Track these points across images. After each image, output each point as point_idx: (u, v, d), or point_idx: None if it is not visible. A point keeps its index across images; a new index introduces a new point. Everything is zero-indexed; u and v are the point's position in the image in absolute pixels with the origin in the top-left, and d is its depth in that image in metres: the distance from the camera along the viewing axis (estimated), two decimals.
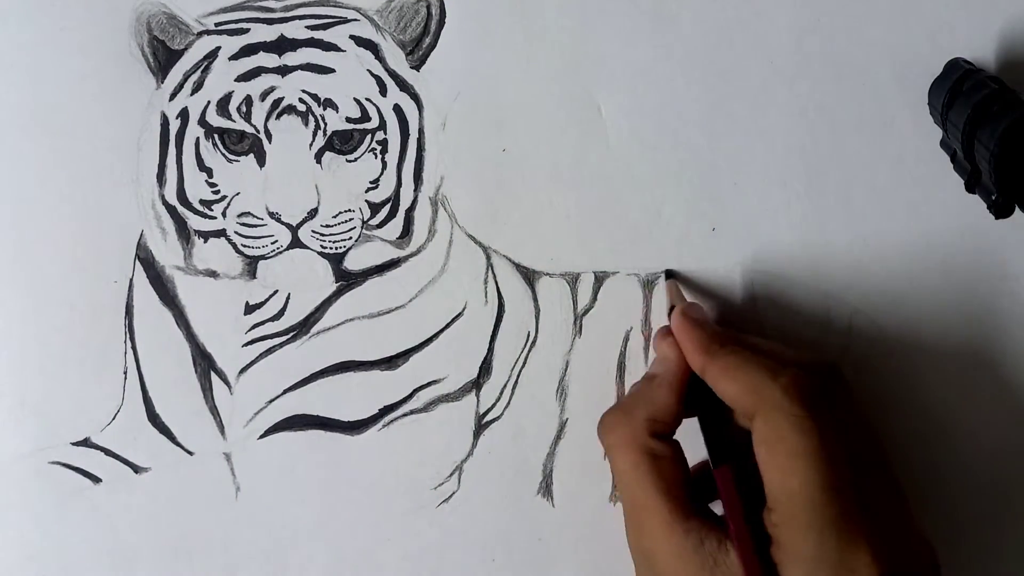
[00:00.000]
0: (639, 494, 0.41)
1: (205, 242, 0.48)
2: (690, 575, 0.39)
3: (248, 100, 0.47)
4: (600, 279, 0.48)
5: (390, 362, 0.48)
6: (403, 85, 0.48)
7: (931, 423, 0.48)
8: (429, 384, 0.48)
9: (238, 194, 0.48)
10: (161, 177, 0.48)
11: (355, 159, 0.48)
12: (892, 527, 0.39)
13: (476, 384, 0.48)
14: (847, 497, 0.38)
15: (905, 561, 0.39)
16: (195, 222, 0.48)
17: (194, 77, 0.47)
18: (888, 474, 0.42)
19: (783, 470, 0.39)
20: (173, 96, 0.47)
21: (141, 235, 0.48)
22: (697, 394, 0.43)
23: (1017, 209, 0.42)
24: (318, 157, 0.47)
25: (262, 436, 0.49)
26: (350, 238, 0.48)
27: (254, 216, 0.48)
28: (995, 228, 0.47)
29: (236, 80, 0.47)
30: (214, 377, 0.48)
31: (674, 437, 0.43)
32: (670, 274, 0.48)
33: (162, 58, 0.48)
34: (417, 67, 0.48)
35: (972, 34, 0.47)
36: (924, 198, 0.47)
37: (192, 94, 0.47)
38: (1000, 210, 0.43)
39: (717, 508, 0.42)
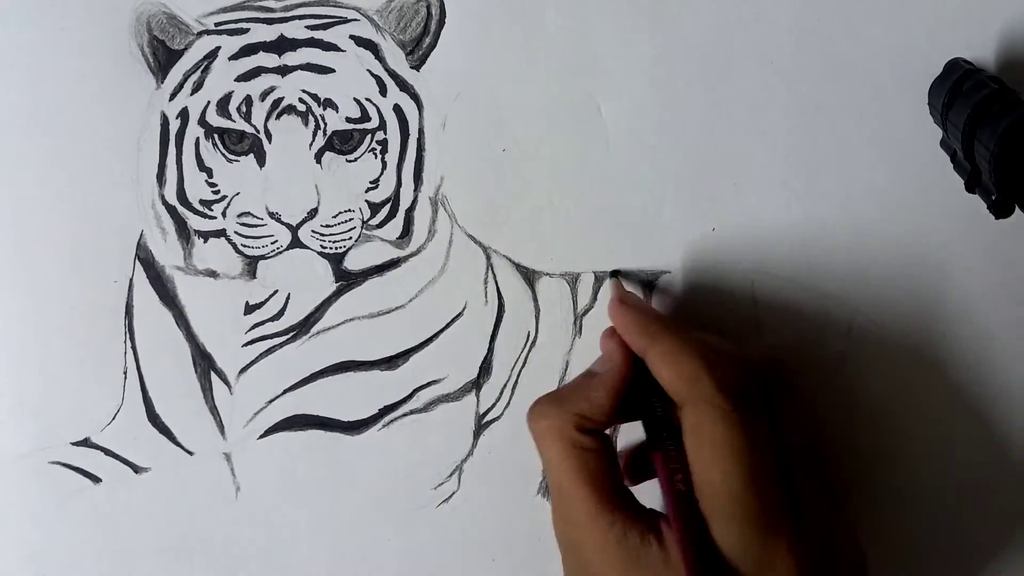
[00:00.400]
0: (565, 484, 0.41)
1: (205, 242, 0.48)
2: (614, 567, 0.40)
3: (248, 100, 0.47)
4: (600, 279, 0.48)
5: (390, 362, 0.48)
6: (403, 85, 0.48)
7: (931, 423, 0.48)
8: (429, 384, 0.48)
9: (238, 194, 0.48)
10: (161, 177, 0.48)
11: (355, 159, 0.48)
12: (817, 526, 0.40)
13: (476, 384, 0.48)
14: (768, 493, 0.39)
15: (827, 561, 0.39)
16: (195, 222, 0.48)
17: (194, 77, 0.47)
18: (823, 478, 0.42)
19: (706, 460, 0.39)
20: (173, 96, 0.47)
21: (141, 235, 0.48)
22: (641, 381, 0.43)
23: (1017, 209, 0.42)
24: (318, 157, 0.47)
25: (262, 436, 0.49)
26: (350, 238, 0.48)
27: (254, 216, 0.48)
28: (995, 228, 0.47)
29: (236, 80, 0.47)
30: (214, 377, 0.48)
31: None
32: (616, 273, 0.48)
33: (162, 58, 0.48)
34: (417, 67, 0.48)
35: (972, 34, 0.47)
36: (924, 198, 0.47)
37: (192, 94, 0.47)
38: (1000, 210, 0.42)
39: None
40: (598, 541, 0.40)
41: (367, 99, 0.47)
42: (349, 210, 0.48)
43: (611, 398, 0.42)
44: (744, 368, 0.41)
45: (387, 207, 0.48)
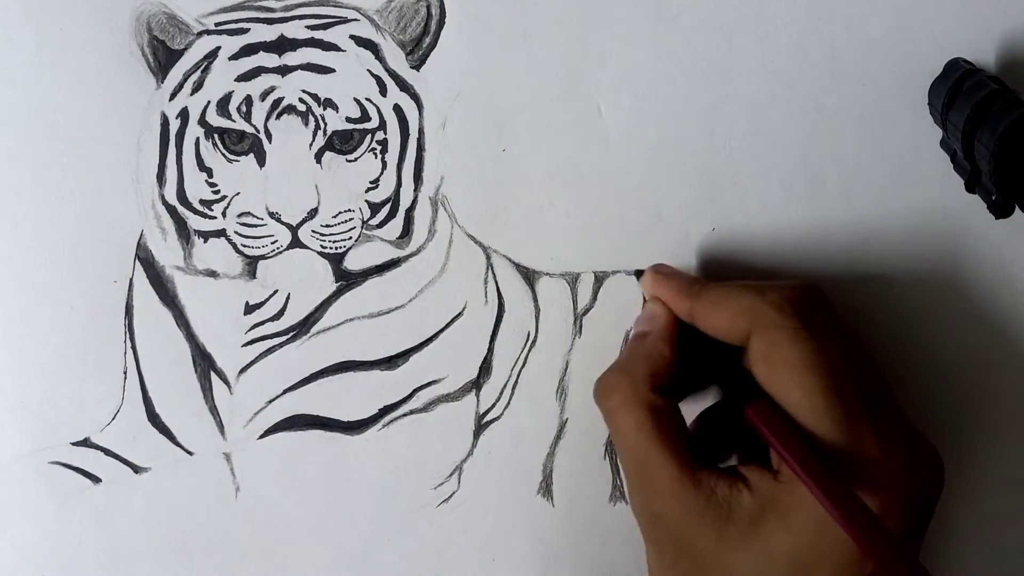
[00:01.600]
0: (645, 453, 0.41)
1: (205, 242, 0.48)
2: (705, 526, 0.39)
3: (248, 100, 0.47)
4: (600, 279, 0.48)
5: (390, 362, 0.48)
6: (403, 85, 0.48)
7: (931, 423, 0.48)
8: (429, 384, 0.48)
9: (238, 194, 0.48)
10: (161, 177, 0.48)
11: (355, 159, 0.48)
12: (894, 424, 0.40)
13: (476, 384, 0.48)
14: (848, 400, 0.39)
15: (910, 454, 0.39)
16: (195, 222, 0.48)
17: (194, 77, 0.47)
18: (882, 379, 0.42)
19: (784, 383, 0.39)
20: (173, 96, 0.47)
21: (141, 235, 0.48)
22: (690, 355, 0.43)
23: (1017, 209, 0.42)
24: (318, 157, 0.47)
25: (262, 436, 0.49)
26: (350, 238, 0.48)
27: (254, 216, 0.48)
28: (995, 228, 0.47)
29: (236, 80, 0.47)
30: (214, 377, 0.48)
31: None
32: (639, 272, 0.48)
33: (162, 58, 0.48)
34: (417, 67, 0.48)
35: (972, 34, 0.47)
36: (924, 198, 0.47)
37: (192, 94, 0.47)
38: (1000, 210, 0.43)
39: None
40: (686, 504, 0.40)
41: (367, 99, 0.47)
42: (349, 210, 0.48)
43: (671, 346, 0.43)
44: (793, 289, 0.41)
45: (387, 207, 0.48)
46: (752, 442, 0.42)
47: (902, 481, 0.39)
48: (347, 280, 0.48)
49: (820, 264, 0.48)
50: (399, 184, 0.48)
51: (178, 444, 0.49)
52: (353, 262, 0.48)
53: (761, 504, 0.39)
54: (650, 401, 0.41)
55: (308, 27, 0.47)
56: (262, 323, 0.48)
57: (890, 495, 0.38)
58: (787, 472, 0.39)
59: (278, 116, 0.47)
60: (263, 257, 0.48)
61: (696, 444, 0.42)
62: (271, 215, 0.47)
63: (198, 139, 0.47)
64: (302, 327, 0.48)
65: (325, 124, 0.47)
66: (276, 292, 0.48)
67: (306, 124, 0.47)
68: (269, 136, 0.47)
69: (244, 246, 0.48)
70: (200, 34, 0.47)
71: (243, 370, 0.48)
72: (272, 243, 0.48)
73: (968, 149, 0.43)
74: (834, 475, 0.37)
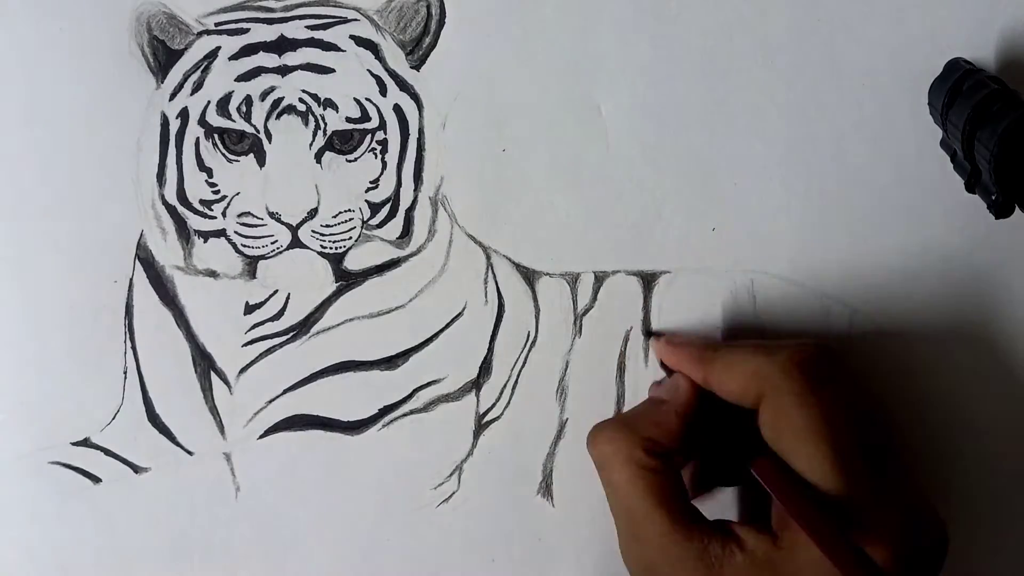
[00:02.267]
0: (637, 506, 0.41)
1: (205, 242, 0.48)
2: None
3: (248, 100, 0.47)
4: (600, 279, 0.48)
5: (390, 362, 0.48)
6: (403, 85, 0.48)
7: (931, 423, 0.48)
8: (429, 384, 0.48)
9: (238, 194, 0.48)
10: (161, 177, 0.48)
11: (355, 159, 0.48)
12: (900, 503, 0.40)
13: (476, 384, 0.48)
14: (853, 474, 0.39)
15: (914, 536, 0.39)
16: (195, 222, 0.48)
17: (194, 77, 0.47)
18: (887, 432, 0.42)
19: (790, 449, 0.39)
20: (173, 96, 0.47)
21: (141, 235, 0.48)
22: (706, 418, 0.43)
23: (1017, 209, 0.42)
24: (318, 157, 0.47)
25: (262, 436, 0.49)
26: (350, 238, 0.48)
27: (254, 216, 0.48)
28: (995, 228, 0.47)
29: (236, 80, 0.47)
30: (214, 377, 0.48)
31: None
32: (650, 334, 0.48)
33: (162, 58, 0.48)
34: (417, 67, 0.48)
35: (972, 34, 0.47)
36: (924, 198, 0.47)
37: (192, 94, 0.47)
38: (1000, 210, 0.42)
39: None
40: (677, 557, 0.40)
41: (367, 99, 0.47)
42: (349, 210, 0.48)
43: (681, 424, 0.43)
44: (804, 352, 0.41)
45: (387, 207, 0.48)
46: (750, 502, 0.42)
47: (905, 543, 0.38)
48: (347, 280, 0.48)
49: (820, 264, 0.48)
50: (399, 184, 0.48)
51: (178, 444, 0.49)
52: (353, 262, 0.48)
53: (757, 567, 0.39)
54: (642, 461, 0.42)
55: (308, 27, 0.47)
56: (262, 323, 0.48)
57: (891, 555, 0.38)
58: (788, 538, 0.39)
59: (278, 116, 0.47)
60: (263, 257, 0.48)
61: (688, 494, 0.43)
62: (271, 215, 0.47)
63: (198, 139, 0.47)
64: (302, 327, 0.48)
65: (325, 124, 0.47)
66: (276, 292, 0.48)
67: (306, 124, 0.47)
68: (269, 136, 0.47)
69: (244, 246, 0.48)
70: (200, 34, 0.47)
71: (243, 370, 0.48)
72: (272, 243, 0.48)
73: (968, 149, 0.43)
74: (840, 534, 0.37)
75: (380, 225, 0.48)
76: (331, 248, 0.48)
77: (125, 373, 0.48)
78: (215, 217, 0.48)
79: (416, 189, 0.48)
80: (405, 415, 0.48)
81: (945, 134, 0.45)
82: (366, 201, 0.48)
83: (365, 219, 0.48)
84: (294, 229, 0.48)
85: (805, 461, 0.39)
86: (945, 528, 0.41)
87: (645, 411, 0.45)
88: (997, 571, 0.48)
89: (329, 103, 0.47)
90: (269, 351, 0.48)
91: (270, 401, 0.49)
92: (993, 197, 0.42)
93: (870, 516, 0.38)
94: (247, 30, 0.47)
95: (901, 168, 0.47)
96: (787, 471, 0.39)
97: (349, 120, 0.47)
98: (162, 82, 0.48)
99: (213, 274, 0.48)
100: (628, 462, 0.42)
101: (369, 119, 0.47)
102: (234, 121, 0.47)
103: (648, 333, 0.48)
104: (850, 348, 0.48)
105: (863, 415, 0.41)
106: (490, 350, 0.48)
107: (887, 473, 0.40)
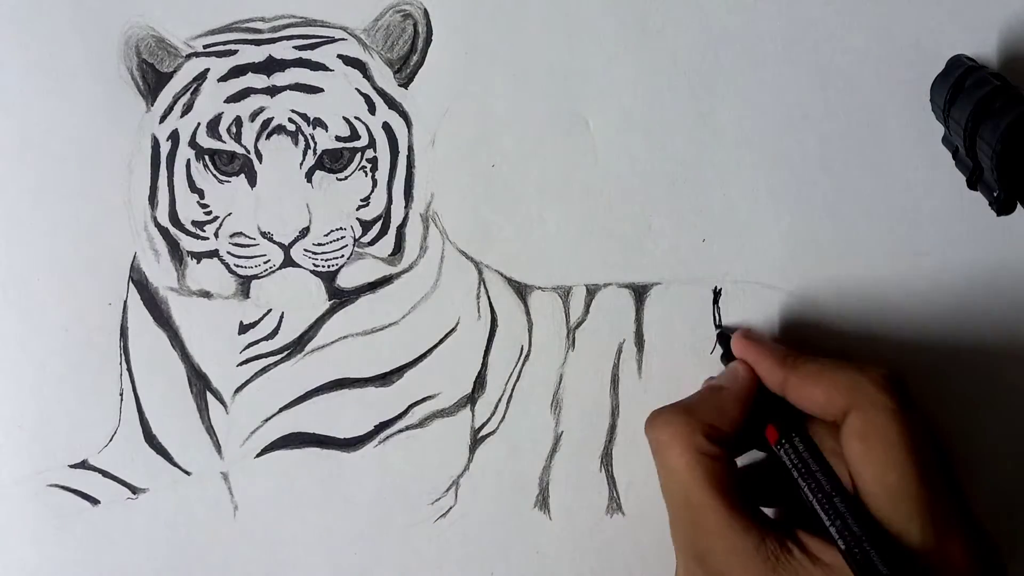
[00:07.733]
0: (695, 492, 0.41)
1: (198, 263, 0.48)
2: (750, 570, 0.39)
3: (238, 121, 0.47)
4: (592, 292, 0.48)
5: (384, 379, 0.49)
6: (391, 103, 0.48)
7: (935, 412, 0.48)
8: (424, 400, 0.49)
9: (230, 214, 0.48)
10: (153, 199, 0.48)
11: (345, 177, 0.48)
12: (970, 520, 0.40)
13: (471, 399, 0.49)
14: (942, 488, 0.39)
15: (983, 554, 0.39)
16: (187, 243, 0.48)
17: (184, 99, 0.48)
18: (953, 470, 0.42)
19: (881, 464, 0.39)
20: (163, 118, 0.48)
21: (134, 257, 0.48)
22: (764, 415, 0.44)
23: (1019, 206, 0.42)
24: (309, 176, 0.48)
25: (259, 455, 0.49)
26: (342, 256, 0.48)
27: (246, 236, 0.48)
28: (997, 226, 0.47)
29: (225, 101, 0.47)
30: (210, 397, 0.49)
31: None
32: (722, 328, 0.48)
33: (151, 81, 0.48)
34: (405, 85, 0.48)
35: (974, 31, 0.47)
36: (925, 195, 0.47)
37: (182, 116, 0.48)
38: (1002, 207, 0.42)
39: None
40: (734, 546, 0.40)
41: (356, 118, 0.48)
42: (341, 228, 0.48)
43: (741, 410, 0.43)
44: (893, 371, 0.41)
45: (378, 224, 0.48)
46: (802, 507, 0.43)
47: (973, 569, 0.39)
48: (340, 298, 0.48)
49: (813, 272, 0.47)
50: (390, 201, 0.48)
51: (175, 464, 0.49)
52: (346, 280, 0.48)
53: (816, 568, 0.39)
54: (702, 447, 0.41)
55: (296, 47, 0.47)
56: (256, 342, 0.48)
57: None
58: None
59: (268, 136, 0.47)
60: (256, 277, 0.48)
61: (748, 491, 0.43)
62: (263, 235, 0.48)
63: (189, 161, 0.48)
64: (296, 345, 0.49)
65: (315, 143, 0.47)
66: (270, 311, 0.48)
67: (296, 144, 0.47)
68: (260, 156, 0.47)
69: (237, 266, 0.48)
70: (189, 56, 0.48)
71: (239, 389, 0.49)
72: (265, 262, 0.48)
73: (970, 146, 0.43)
74: (859, 521, 0.38)
75: (372, 243, 0.48)
76: (324, 266, 0.48)
77: (121, 395, 0.48)
78: (207, 238, 0.48)
79: (407, 206, 0.48)
80: (401, 431, 0.49)
81: (947, 131, 0.45)
82: (357, 219, 0.48)
83: (357, 237, 0.48)
84: (286, 248, 0.48)
85: (895, 476, 0.39)
86: (1000, 555, 0.41)
87: (705, 397, 0.44)
88: None
89: (319, 122, 0.47)
90: (264, 370, 0.49)
91: (266, 420, 0.49)
92: (995, 194, 0.42)
93: (953, 531, 0.39)
94: (235, 51, 0.47)
95: (902, 166, 0.47)
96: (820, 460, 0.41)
97: (339, 139, 0.48)
98: (152, 105, 0.48)
99: (207, 295, 0.48)
100: (688, 448, 0.41)
101: (359, 137, 0.48)
102: (224, 142, 0.47)
103: (718, 326, 0.48)
104: (846, 354, 0.48)
105: (939, 446, 0.41)
106: (484, 365, 0.49)
107: (956, 492, 0.40)
